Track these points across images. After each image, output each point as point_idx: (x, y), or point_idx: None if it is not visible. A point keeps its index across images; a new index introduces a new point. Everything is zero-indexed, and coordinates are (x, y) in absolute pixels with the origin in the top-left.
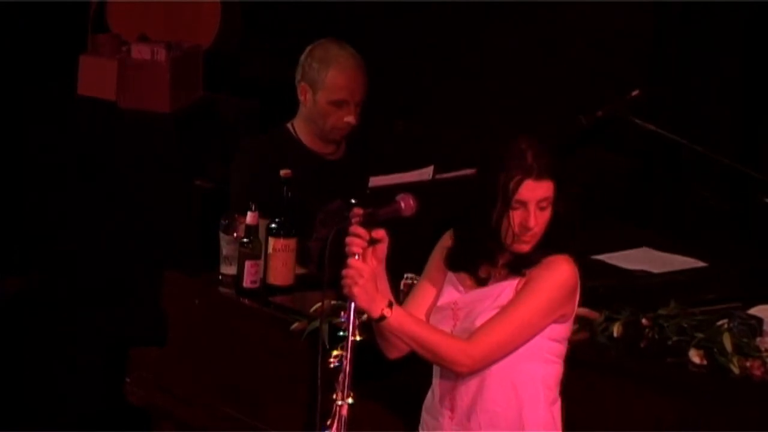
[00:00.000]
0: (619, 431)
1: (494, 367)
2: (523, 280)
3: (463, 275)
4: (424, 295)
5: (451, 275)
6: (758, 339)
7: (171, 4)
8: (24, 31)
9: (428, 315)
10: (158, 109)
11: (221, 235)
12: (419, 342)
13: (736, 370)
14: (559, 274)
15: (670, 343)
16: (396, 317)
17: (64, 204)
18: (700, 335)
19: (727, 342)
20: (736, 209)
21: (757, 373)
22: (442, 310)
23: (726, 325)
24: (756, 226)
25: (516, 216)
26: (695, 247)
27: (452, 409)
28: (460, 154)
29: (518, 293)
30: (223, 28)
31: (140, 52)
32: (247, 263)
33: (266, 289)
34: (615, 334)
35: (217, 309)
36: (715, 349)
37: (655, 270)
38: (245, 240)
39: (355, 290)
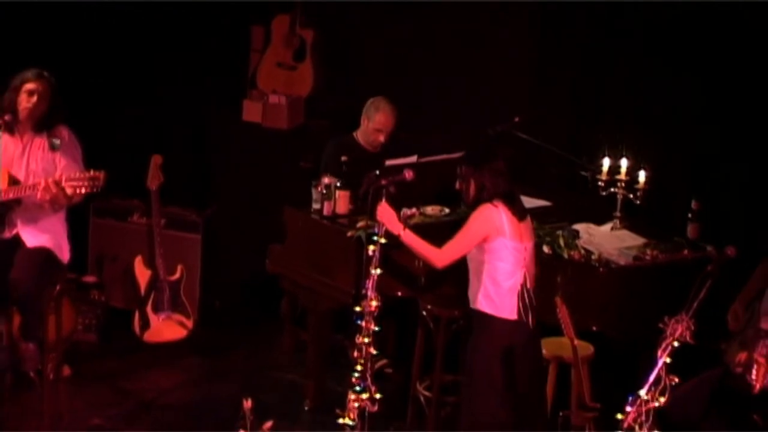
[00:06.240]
0: None
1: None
2: None
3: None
4: None
5: None
6: (577, 240)
7: (288, 75)
8: (216, 88)
9: None
10: (281, 127)
11: (313, 189)
12: (417, 249)
13: (565, 256)
14: (477, 213)
15: None
16: (407, 234)
17: (233, 169)
18: (548, 238)
19: (561, 241)
20: (568, 176)
21: (576, 256)
22: None
23: (561, 233)
24: (578, 186)
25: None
26: (547, 194)
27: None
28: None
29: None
30: (314, 84)
31: (273, 99)
32: (326, 203)
33: (335, 215)
34: None
35: (310, 225)
36: (555, 245)
37: (527, 206)
38: (324, 191)
39: (384, 218)
